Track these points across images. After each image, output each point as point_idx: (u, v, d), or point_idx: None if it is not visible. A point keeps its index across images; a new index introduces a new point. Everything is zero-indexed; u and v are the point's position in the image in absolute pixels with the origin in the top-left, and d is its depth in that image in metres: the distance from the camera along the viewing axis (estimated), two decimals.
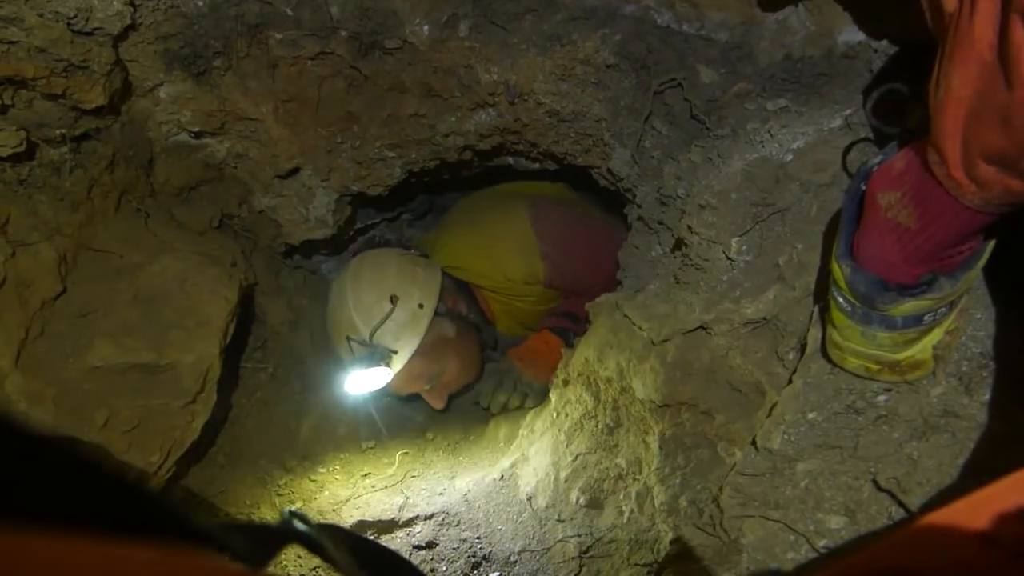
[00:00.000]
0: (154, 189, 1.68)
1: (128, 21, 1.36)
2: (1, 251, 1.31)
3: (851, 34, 1.33)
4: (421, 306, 1.97)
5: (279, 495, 1.67)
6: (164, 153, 1.66)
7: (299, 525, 0.47)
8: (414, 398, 2.14)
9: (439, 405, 2.10)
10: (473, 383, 2.20)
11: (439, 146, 1.82)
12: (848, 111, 1.24)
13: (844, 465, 0.82)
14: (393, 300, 1.93)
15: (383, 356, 1.92)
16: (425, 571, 1.52)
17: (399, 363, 1.94)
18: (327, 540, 0.47)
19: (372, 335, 1.91)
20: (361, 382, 1.92)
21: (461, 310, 2.10)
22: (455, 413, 2.18)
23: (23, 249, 1.35)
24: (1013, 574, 0.42)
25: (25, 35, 1.23)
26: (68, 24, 1.28)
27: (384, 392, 2.03)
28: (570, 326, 2.20)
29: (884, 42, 1.29)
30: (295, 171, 1.80)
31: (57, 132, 1.42)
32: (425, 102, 1.71)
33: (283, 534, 0.45)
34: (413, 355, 1.94)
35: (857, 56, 1.36)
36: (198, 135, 1.66)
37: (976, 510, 0.48)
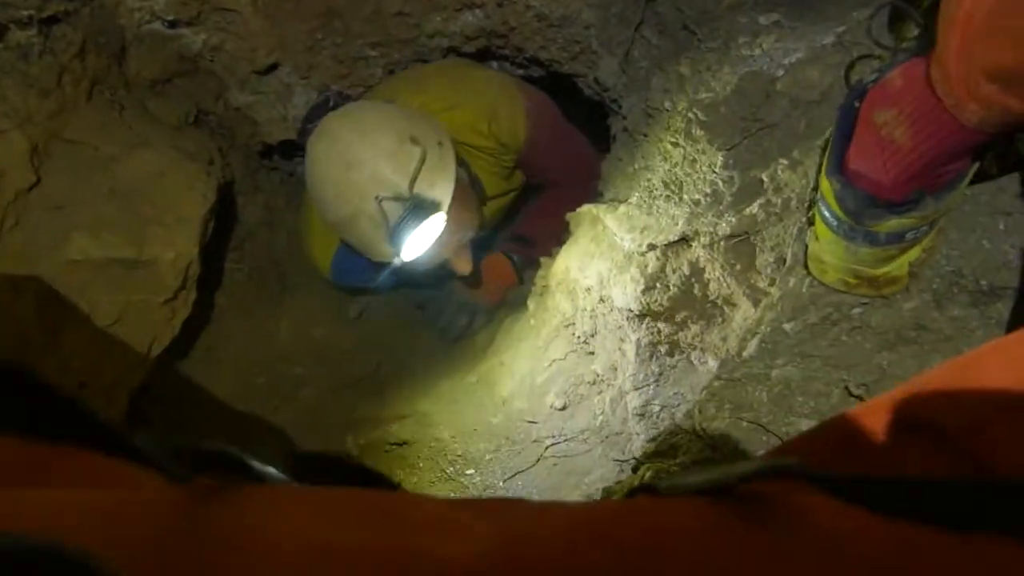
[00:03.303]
0: (127, 80, 1.62)
1: None
2: None
3: None
4: (441, 144, 1.67)
5: (259, 392, 1.70)
6: (136, 42, 1.60)
7: (232, 451, 0.44)
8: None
9: (468, 267, 1.85)
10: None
11: (423, 47, 1.77)
12: (841, 28, 1.23)
13: (817, 373, 0.87)
14: (415, 141, 1.60)
15: (428, 206, 1.61)
16: (403, 467, 1.57)
17: (444, 209, 1.65)
18: (255, 460, 0.44)
19: (412, 184, 1.58)
20: (418, 241, 1.64)
21: (458, 153, 1.79)
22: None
23: None
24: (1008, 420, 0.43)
25: None
26: None
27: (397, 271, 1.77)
28: (520, 250, 2.15)
29: None
30: (273, 67, 1.75)
31: (24, 13, 1.35)
32: (410, 0, 1.66)
33: (214, 456, 0.43)
34: (452, 200, 1.66)
35: None
36: (172, 24, 1.59)
37: (977, 361, 0.50)
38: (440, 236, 1.67)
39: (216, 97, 1.79)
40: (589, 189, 1.80)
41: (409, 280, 1.95)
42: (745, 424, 0.88)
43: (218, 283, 1.80)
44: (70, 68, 1.48)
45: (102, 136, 1.51)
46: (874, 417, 0.51)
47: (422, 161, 1.57)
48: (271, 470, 0.44)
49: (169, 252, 1.47)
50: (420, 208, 1.57)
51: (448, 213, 1.64)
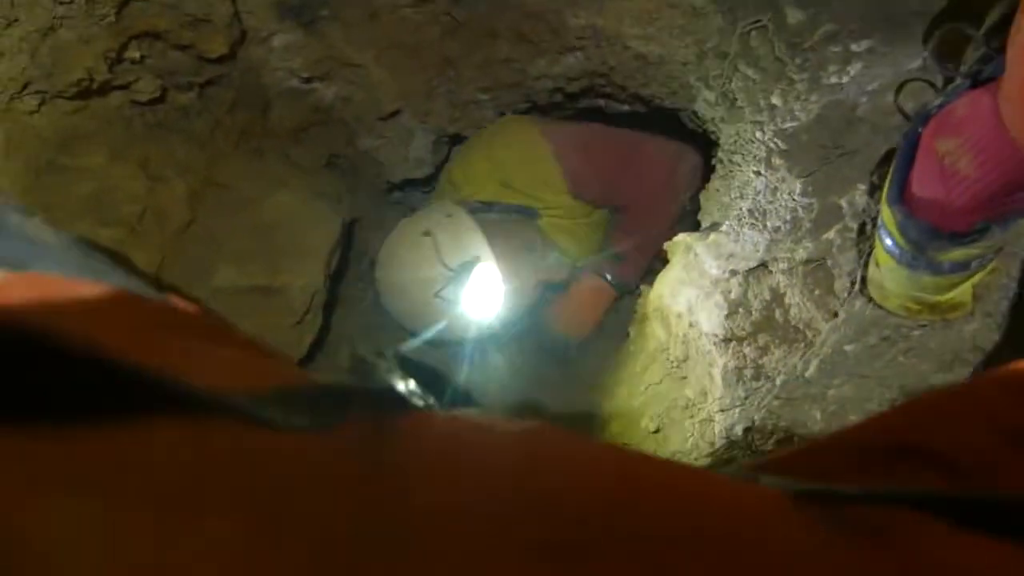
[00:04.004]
0: (270, 131, 1.84)
1: None
2: (143, 185, 1.51)
3: None
4: (450, 215, 1.83)
5: None
6: (278, 97, 1.82)
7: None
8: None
9: (560, 274, 1.98)
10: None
11: (530, 89, 1.89)
12: (928, 51, 1.22)
13: (871, 393, 0.87)
14: (428, 232, 1.79)
15: (472, 264, 1.75)
16: None
17: (487, 256, 1.78)
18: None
19: (447, 265, 1.74)
20: (480, 297, 1.76)
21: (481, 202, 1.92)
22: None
23: (160, 184, 1.55)
24: (1019, 459, 0.42)
25: None
26: None
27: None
28: (611, 268, 2.01)
29: None
30: (395, 113, 1.93)
31: (185, 79, 1.59)
32: (516, 47, 1.78)
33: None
34: (487, 242, 1.78)
35: None
36: (308, 80, 1.80)
37: (985, 392, 0.49)
38: (511, 275, 1.79)
39: (346, 142, 1.99)
40: (662, 208, 1.80)
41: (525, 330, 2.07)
42: (796, 442, 0.89)
43: (343, 308, 1.98)
44: (223, 123, 1.71)
45: (247, 180, 1.73)
46: (875, 439, 0.50)
47: (439, 244, 1.75)
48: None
49: (299, 280, 1.66)
50: (465, 271, 1.73)
51: (495, 255, 1.77)
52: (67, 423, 0.23)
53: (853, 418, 0.86)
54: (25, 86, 1.31)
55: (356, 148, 2.02)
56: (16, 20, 1.25)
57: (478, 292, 1.76)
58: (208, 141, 1.67)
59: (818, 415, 0.90)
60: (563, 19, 1.69)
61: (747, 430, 1.00)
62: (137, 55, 1.46)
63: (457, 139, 2.05)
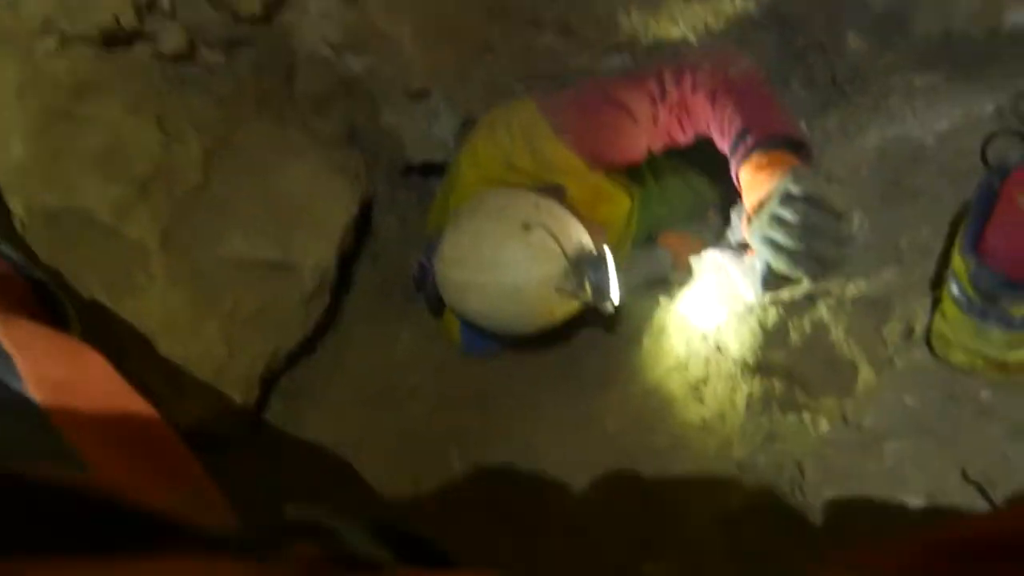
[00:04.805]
0: (292, 97, 1.76)
1: None
2: (157, 141, 1.43)
3: (1021, 14, 1.26)
4: (537, 204, 1.62)
5: (372, 400, 1.78)
6: (304, 64, 1.74)
7: (304, 515, 0.43)
8: None
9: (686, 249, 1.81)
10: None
11: (566, 82, 1.82)
12: (1003, 97, 1.18)
13: (934, 451, 0.83)
14: (529, 225, 1.55)
15: (588, 253, 1.61)
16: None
17: (588, 239, 1.65)
18: (337, 522, 0.44)
19: (568, 255, 1.57)
20: (610, 280, 1.61)
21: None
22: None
23: (175, 142, 1.47)
24: None
25: None
26: None
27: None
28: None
29: None
30: (424, 92, 1.85)
31: (214, 36, 1.51)
32: (560, 38, 1.71)
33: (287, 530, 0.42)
34: (580, 223, 1.66)
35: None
36: (338, 49, 1.72)
37: None
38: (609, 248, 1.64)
39: (369, 116, 1.92)
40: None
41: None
42: (850, 494, 0.85)
43: (350, 289, 1.91)
44: (245, 85, 1.63)
45: (265, 147, 1.65)
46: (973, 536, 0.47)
47: (550, 231, 1.56)
48: (359, 537, 0.43)
49: (310, 258, 1.58)
50: (583, 260, 1.58)
51: (590, 230, 1.65)
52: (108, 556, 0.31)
53: (913, 477, 0.82)
54: (46, 25, 1.22)
55: (378, 123, 1.94)
56: None
57: (610, 275, 1.59)
58: (229, 102, 1.59)
59: (873, 467, 0.86)
60: (613, 15, 1.62)
61: (796, 473, 0.96)
62: (168, 6, 1.37)
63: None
